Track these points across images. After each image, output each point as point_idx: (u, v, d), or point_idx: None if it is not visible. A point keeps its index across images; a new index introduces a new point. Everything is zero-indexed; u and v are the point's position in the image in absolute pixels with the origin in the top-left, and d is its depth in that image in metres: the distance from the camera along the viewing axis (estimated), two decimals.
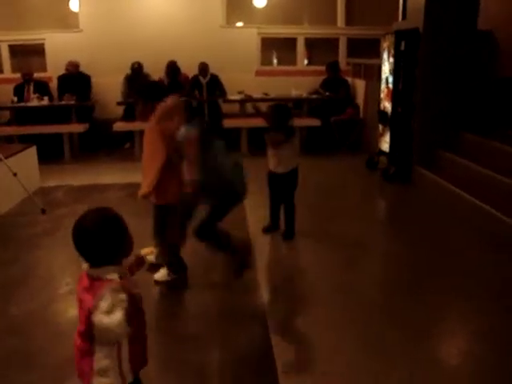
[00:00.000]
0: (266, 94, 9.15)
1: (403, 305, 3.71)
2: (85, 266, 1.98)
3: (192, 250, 4.17)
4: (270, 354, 3.09)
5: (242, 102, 9.03)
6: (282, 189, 4.92)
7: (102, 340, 1.91)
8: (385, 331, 3.35)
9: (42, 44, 9.78)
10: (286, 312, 3.70)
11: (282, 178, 4.84)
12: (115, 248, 1.96)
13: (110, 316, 1.83)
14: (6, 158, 5.77)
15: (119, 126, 8.40)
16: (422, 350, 3.13)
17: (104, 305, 1.84)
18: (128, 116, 8.60)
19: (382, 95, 7.34)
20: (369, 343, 3.22)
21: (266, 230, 5.10)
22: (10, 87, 9.25)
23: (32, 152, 6.84)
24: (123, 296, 1.87)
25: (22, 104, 8.91)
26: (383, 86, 7.30)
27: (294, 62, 10.33)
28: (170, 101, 3.78)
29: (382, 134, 7.33)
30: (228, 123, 8.77)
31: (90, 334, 1.91)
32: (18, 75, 9.41)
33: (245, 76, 9.66)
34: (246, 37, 9.93)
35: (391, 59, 6.94)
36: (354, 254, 4.66)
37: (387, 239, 5.20)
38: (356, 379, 2.89)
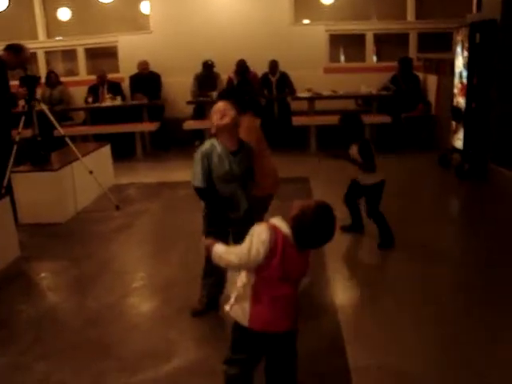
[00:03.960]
0: (334, 92, 9.06)
1: (479, 308, 3.58)
2: None
3: None
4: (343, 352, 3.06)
5: (310, 100, 8.98)
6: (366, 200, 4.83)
7: None
8: (461, 333, 3.24)
9: (115, 46, 10.09)
10: (358, 310, 3.65)
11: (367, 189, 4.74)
12: None
13: None
14: (83, 156, 5.98)
15: (189, 125, 8.55)
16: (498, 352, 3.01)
17: None
18: (198, 115, 8.74)
19: (456, 91, 7.11)
20: (445, 344, 3.13)
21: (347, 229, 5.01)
22: (85, 89, 9.61)
23: (106, 150, 7.07)
24: None
25: (96, 104, 9.22)
26: (457, 81, 7.07)
27: (362, 58, 10.17)
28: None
29: (456, 131, 7.10)
30: (297, 121, 8.74)
31: None
32: (92, 77, 9.77)
33: (313, 73, 9.59)
34: (314, 34, 9.86)
35: (465, 53, 6.71)
36: (430, 254, 4.51)
37: (463, 240, 5.03)
38: (432, 379, 2.82)
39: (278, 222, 2.31)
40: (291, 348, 2.45)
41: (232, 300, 2.39)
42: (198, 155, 3.31)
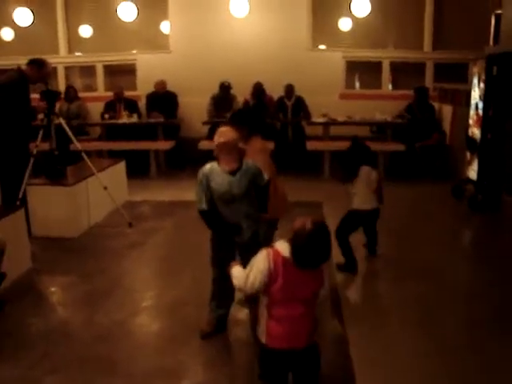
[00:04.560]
0: (349, 117, 9.10)
1: (487, 344, 3.54)
2: None
3: None
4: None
5: (325, 125, 9.03)
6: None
7: None
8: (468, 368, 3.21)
9: (134, 64, 10.23)
10: (365, 335, 3.63)
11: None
12: None
13: None
14: (98, 171, 6.03)
15: (204, 145, 8.58)
16: None
17: None
18: (213, 135, 8.75)
19: (471, 121, 7.12)
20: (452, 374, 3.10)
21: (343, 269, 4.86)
22: (102, 104, 9.73)
23: (121, 166, 7.12)
24: None
25: (113, 121, 9.31)
26: (472, 112, 7.09)
27: (378, 85, 10.23)
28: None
29: (470, 162, 7.10)
30: (311, 146, 8.78)
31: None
32: (109, 93, 9.89)
33: (329, 99, 9.64)
34: (331, 60, 9.94)
35: (482, 85, 6.74)
36: (437, 286, 4.47)
37: (474, 272, 4.99)
38: None
39: (280, 245, 2.46)
40: (313, 363, 2.55)
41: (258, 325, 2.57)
42: (198, 177, 3.37)
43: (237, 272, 2.58)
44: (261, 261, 2.42)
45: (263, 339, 2.49)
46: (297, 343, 2.45)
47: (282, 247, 2.43)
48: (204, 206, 3.35)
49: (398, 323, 3.83)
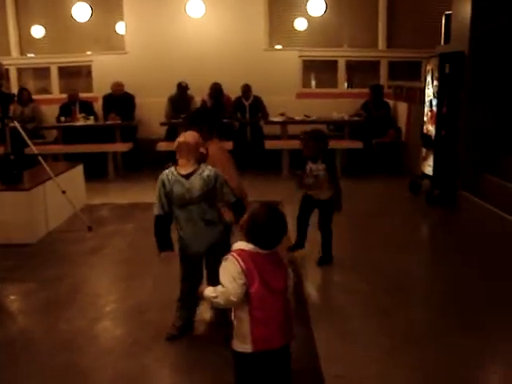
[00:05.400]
0: (307, 116, 9.20)
1: (454, 337, 3.62)
2: None
3: None
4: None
5: (283, 124, 9.09)
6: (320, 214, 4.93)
7: None
8: (440, 363, 3.29)
9: (89, 66, 10.07)
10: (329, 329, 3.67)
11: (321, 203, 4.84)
12: None
13: None
14: (56, 175, 5.92)
15: (162, 146, 8.54)
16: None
17: None
18: (171, 136, 8.73)
19: (426, 118, 7.29)
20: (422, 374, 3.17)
21: (292, 249, 5.04)
22: (57, 107, 9.55)
23: (79, 170, 7.01)
24: None
25: (70, 123, 9.15)
26: (427, 109, 7.26)
27: (334, 84, 10.36)
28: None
29: (426, 158, 7.27)
30: (270, 145, 8.84)
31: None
32: (64, 96, 9.72)
33: (286, 98, 9.72)
34: (288, 59, 10.02)
35: (435, 82, 6.91)
36: (397, 282, 4.54)
37: (432, 267, 5.12)
38: None
39: (239, 245, 2.47)
40: (288, 365, 2.57)
41: (234, 337, 2.49)
42: (157, 182, 3.39)
43: (211, 292, 2.45)
44: (230, 267, 2.38)
45: (248, 348, 2.41)
46: (280, 341, 2.45)
47: (242, 245, 2.45)
48: (157, 211, 3.38)
49: (359, 316, 3.90)
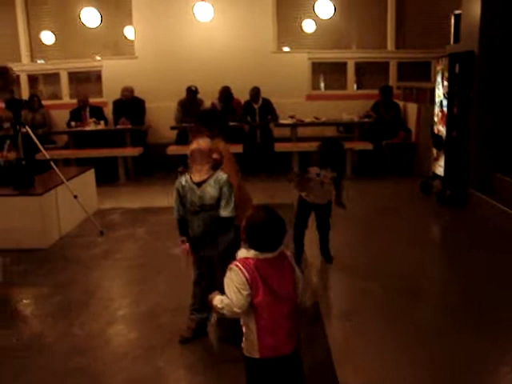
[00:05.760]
0: (316, 118, 9.19)
1: (461, 336, 3.60)
2: None
3: None
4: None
5: (293, 126, 9.09)
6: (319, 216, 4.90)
7: None
8: (444, 360, 3.27)
9: (99, 71, 10.12)
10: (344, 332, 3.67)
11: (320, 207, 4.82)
12: None
13: None
14: (67, 180, 5.95)
15: (173, 150, 8.56)
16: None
17: None
18: (181, 140, 8.77)
19: (436, 119, 7.26)
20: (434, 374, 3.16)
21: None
22: (67, 112, 9.61)
23: (90, 174, 7.04)
24: None
25: (80, 128, 9.20)
26: (437, 109, 7.23)
27: (344, 86, 10.34)
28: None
29: (436, 158, 7.24)
30: (279, 147, 8.83)
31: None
32: (74, 101, 9.77)
33: (295, 100, 9.73)
34: (297, 62, 10.01)
35: (445, 82, 6.88)
36: (410, 282, 4.54)
37: (445, 267, 5.10)
38: None
39: (243, 253, 2.43)
40: (300, 370, 2.54)
41: (243, 342, 2.48)
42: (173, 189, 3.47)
43: (219, 302, 2.43)
44: (234, 277, 2.35)
45: (256, 354, 2.41)
46: (288, 348, 2.43)
47: (244, 252, 2.42)
48: (175, 215, 3.50)
49: (371, 316, 3.89)
